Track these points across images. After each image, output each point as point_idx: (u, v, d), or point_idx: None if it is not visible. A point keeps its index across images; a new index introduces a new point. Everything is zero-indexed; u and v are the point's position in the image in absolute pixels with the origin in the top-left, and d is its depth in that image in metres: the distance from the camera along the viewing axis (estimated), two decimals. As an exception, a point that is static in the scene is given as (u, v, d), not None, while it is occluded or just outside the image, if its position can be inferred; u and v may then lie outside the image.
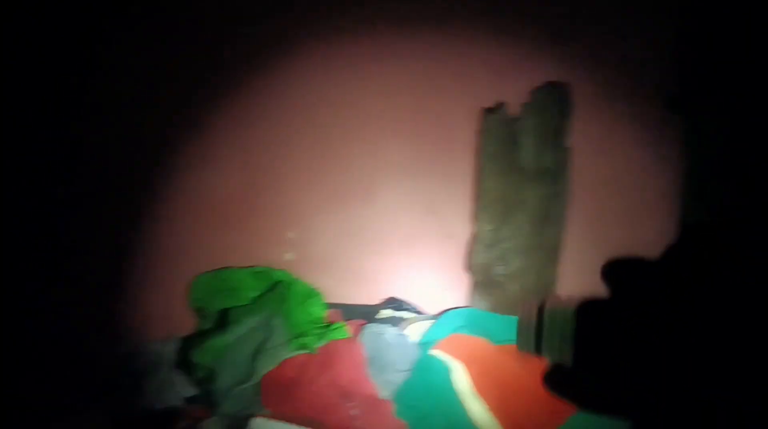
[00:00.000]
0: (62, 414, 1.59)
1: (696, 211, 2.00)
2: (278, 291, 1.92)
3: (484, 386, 1.67)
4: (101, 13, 1.86)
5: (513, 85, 2.04)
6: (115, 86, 1.95)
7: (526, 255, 2.05)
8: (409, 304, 2.09)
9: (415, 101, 2.10)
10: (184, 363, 1.83)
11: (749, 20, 1.89)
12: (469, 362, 1.73)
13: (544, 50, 2.05)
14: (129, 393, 1.72)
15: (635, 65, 2.02)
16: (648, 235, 1.87)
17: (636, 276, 1.65)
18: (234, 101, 2.03)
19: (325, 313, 1.95)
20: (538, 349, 1.64)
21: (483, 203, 2.10)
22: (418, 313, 2.05)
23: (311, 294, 1.95)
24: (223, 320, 1.89)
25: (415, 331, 1.89)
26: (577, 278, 2.07)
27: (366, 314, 2.00)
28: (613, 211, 2.11)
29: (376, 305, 2.09)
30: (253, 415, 1.59)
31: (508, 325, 1.86)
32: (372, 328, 1.82)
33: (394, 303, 2.10)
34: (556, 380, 1.59)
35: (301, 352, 1.73)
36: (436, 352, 1.77)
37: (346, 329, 1.82)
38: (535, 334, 1.65)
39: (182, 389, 1.77)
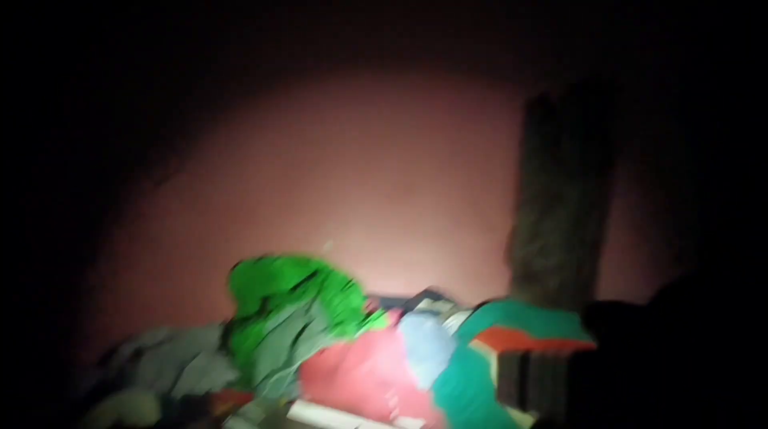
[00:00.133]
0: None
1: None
2: (318, 279, 1.93)
3: (521, 380, 1.66)
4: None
5: (557, 77, 2.02)
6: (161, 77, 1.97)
7: (566, 249, 2.03)
8: (446, 296, 2.09)
9: (458, 93, 2.08)
10: (227, 348, 1.86)
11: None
12: (508, 356, 1.72)
13: (589, 43, 2.03)
14: (172, 377, 1.74)
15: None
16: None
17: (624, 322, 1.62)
18: (275, 93, 2.04)
19: (364, 303, 1.95)
20: (522, 404, 1.55)
21: (524, 196, 2.08)
22: (456, 304, 2.05)
23: (350, 283, 1.95)
24: (264, 307, 1.90)
25: (453, 323, 1.88)
26: (618, 275, 2.05)
27: (403, 305, 2.01)
28: (652, 209, 2.08)
29: (413, 296, 2.09)
30: (292, 401, 1.61)
31: (546, 319, 1.85)
32: (411, 318, 1.82)
33: (431, 294, 2.09)
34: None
35: (341, 340, 1.74)
36: (475, 345, 1.76)
37: (386, 319, 1.82)
38: (519, 387, 1.56)
39: (223, 374, 1.79)
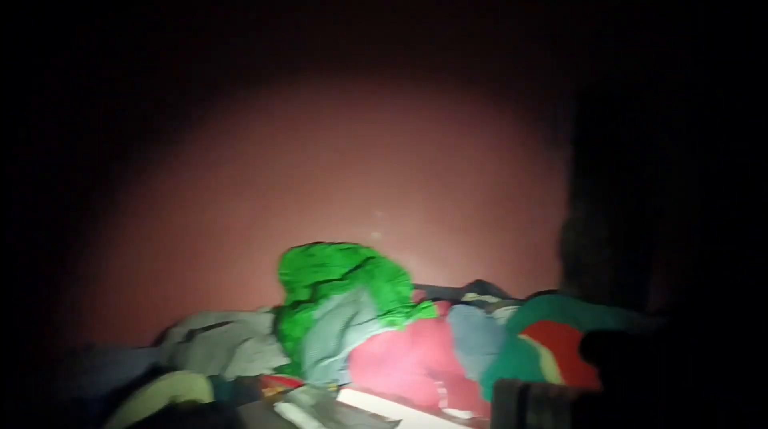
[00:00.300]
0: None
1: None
2: (366, 268, 1.94)
3: (571, 376, 1.64)
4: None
5: (613, 71, 1.99)
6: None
7: (618, 244, 2.00)
8: (494, 288, 2.08)
9: (515, 83, 2.07)
10: (276, 334, 1.88)
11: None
12: (558, 350, 1.70)
13: (644, 35, 1.99)
14: (223, 361, 1.77)
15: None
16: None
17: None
18: (324, 78, 2.05)
19: (412, 293, 1.95)
20: None
21: (576, 190, 2.06)
22: (504, 297, 2.03)
23: (398, 272, 1.96)
24: (313, 295, 1.92)
25: (501, 315, 1.87)
26: (670, 274, 2.01)
27: (451, 296, 2.00)
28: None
29: (461, 288, 2.09)
30: (341, 387, 1.62)
31: (597, 314, 1.83)
32: (460, 309, 1.81)
33: (479, 286, 2.09)
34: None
35: (390, 329, 1.74)
36: (525, 338, 1.75)
37: (434, 309, 1.82)
38: (516, 420, 1.47)
39: (272, 359, 1.81)
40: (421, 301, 1.90)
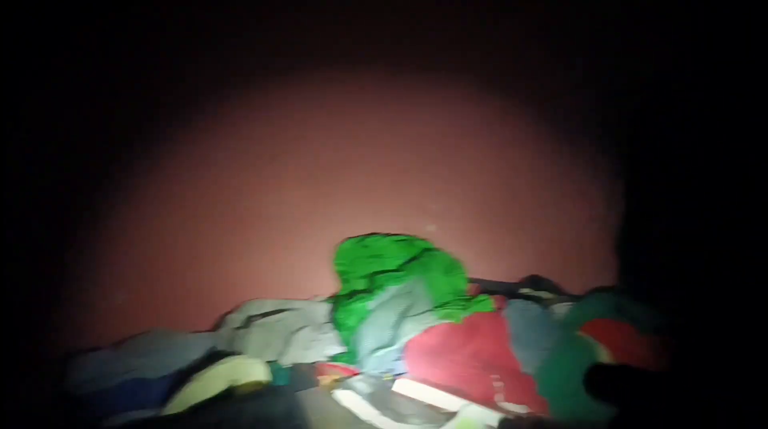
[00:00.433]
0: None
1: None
2: (422, 260, 1.94)
3: (628, 375, 1.61)
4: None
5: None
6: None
7: (675, 243, 1.96)
8: (550, 283, 2.06)
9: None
10: (332, 323, 1.90)
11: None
12: (615, 349, 1.68)
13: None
14: (279, 347, 1.79)
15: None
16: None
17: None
18: (383, 72, 2.05)
19: (467, 286, 1.95)
20: None
21: (633, 187, 2.03)
22: (560, 292, 2.01)
23: (454, 265, 1.95)
24: (368, 285, 1.93)
25: (558, 311, 1.86)
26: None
27: (506, 290, 1.99)
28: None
29: (516, 282, 2.08)
30: (396, 377, 1.62)
31: (655, 315, 1.80)
32: (516, 303, 1.80)
33: (535, 281, 2.07)
34: None
35: (446, 321, 1.74)
36: (582, 334, 1.73)
37: (491, 302, 1.81)
38: None
39: (328, 347, 1.82)
40: (476, 294, 1.90)
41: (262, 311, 1.94)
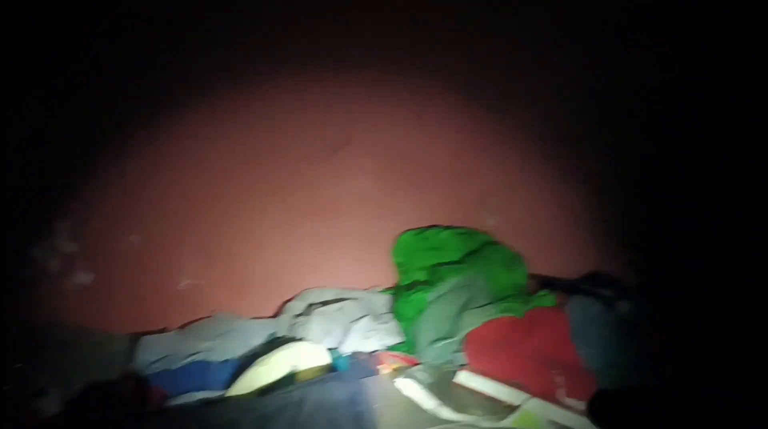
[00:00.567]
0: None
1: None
2: (483, 253, 1.94)
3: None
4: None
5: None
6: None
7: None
8: (611, 280, 2.03)
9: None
10: (391, 313, 1.91)
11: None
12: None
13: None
14: (339, 335, 1.82)
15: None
16: None
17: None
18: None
19: (527, 280, 1.93)
20: None
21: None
22: (623, 290, 1.98)
23: (515, 259, 1.94)
24: (427, 277, 1.94)
25: (620, 309, 1.83)
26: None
27: (567, 286, 1.96)
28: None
29: (577, 278, 2.05)
30: (456, 369, 1.63)
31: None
32: (578, 300, 1.78)
33: (595, 277, 2.04)
34: None
35: (506, 315, 1.73)
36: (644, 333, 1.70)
37: (552, 298, 1.80)
38: None
39: (387, 337, 1.84)
40: (537, 289, 1.88)
41: (322, 300, 1.96)
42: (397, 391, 1.52)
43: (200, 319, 1.99)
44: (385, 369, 1.67)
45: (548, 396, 1.55)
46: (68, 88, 1.82)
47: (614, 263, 2.08)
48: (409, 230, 2.08)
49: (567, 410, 1.50)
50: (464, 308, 1.77)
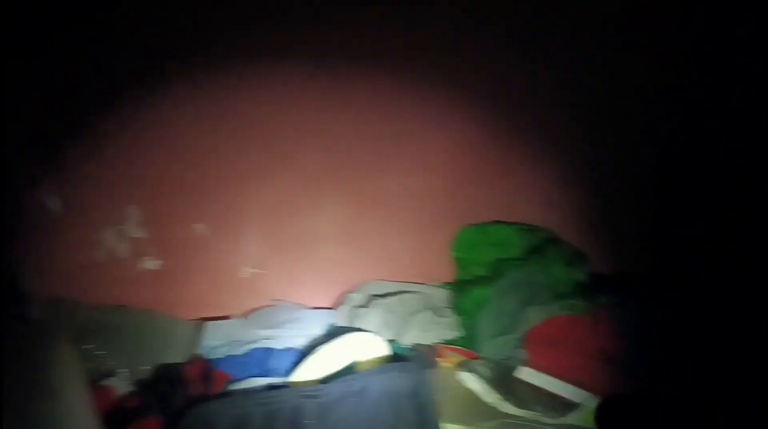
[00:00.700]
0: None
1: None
2: (545, 250, 1.92)
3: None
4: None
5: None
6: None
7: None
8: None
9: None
10: (450, 307, 1.92)
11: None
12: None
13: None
14: (397, 328, 1.83)
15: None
16: None
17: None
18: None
19: (589, 278, 1.91)
20: None
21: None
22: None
23: (577, 256, 1.92)
24: (488, 272, 1.93)
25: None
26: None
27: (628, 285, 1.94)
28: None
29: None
30: (517, 364, 1.62)
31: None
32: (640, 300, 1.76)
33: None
34: None
35: (568, 312, 1.72)
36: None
37: (614, 297, 1.77)
38: None
39: (445, 331, 1.84)
40: (596, 288, 1.86)
41: (382, 292, 1.98)
42: (459, 384, 1.53)
43: (262, 307, 2.03)
44: (445, 362, 1.67)
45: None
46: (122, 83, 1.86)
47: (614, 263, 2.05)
48: (469, 225, 2.08)
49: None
50: (525, 304, 1.76)
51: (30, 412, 1.13)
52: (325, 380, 1.59)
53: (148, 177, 1.93)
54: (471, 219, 2.08)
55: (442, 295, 1.99)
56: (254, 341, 1.84)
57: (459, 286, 1.96)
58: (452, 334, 1.85)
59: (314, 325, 1.91)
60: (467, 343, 1.80)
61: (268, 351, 1.81)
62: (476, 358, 1.69)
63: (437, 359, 1.68)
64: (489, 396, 1.49)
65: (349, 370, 1.63)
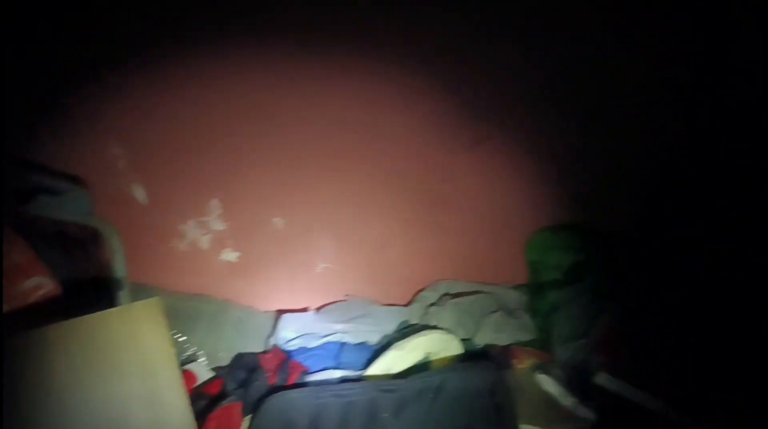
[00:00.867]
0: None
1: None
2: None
3: None
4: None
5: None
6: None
7: None
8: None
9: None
10: (523, 309, 1.91)
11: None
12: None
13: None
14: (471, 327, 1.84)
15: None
16: None
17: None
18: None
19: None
20: None
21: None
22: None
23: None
24: (561, 276, 1.92)
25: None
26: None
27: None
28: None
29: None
30: (593, 368, 1.61)
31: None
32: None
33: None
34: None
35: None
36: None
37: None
38: None
39: (518, 333, 1.84)
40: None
41: (455, 291, 1.99)
42: (535, 386, 1.53)
43: (335, 302, 2.06)
44: (520, 363, 1.67)
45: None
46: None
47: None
48: (544, 228, 2.07)
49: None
50: (600, 309, 1.74)
51: (126, 389, 1.20)
52: (401, 376, 1.61)
53: (230, 172, 1.99)
54: (544, 221, 2.07)
55: (515, 297, 1.99)
56: (328, 335, 1.87)
57: (533, 289, 1.95)
58: (526, 336, 1.84)
59: (387, 322, 1.94)
60: (541, 346, 1.79)
61: (342, 345, 1.84)
62: (551, 360, 1.68)
63: (512, 360, 1.69)
64: (565, 399, 1.48)
65: (423, 367, 1.65)
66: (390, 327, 1.92)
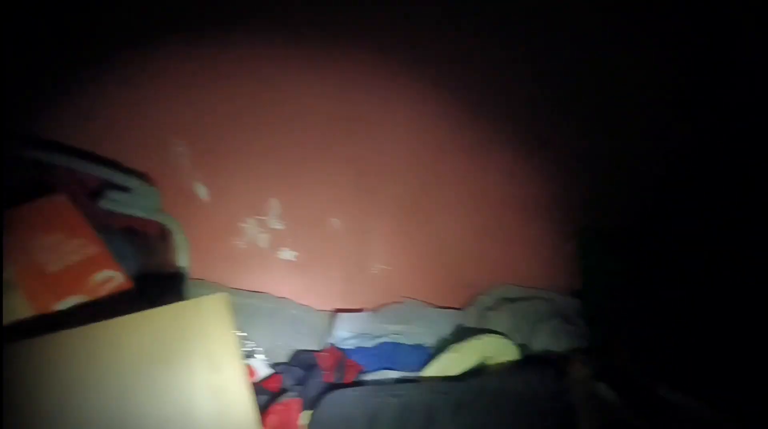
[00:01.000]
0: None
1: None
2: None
3: None
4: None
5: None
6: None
7: None
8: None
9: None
10: (577, 316, 1.90)
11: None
12: None
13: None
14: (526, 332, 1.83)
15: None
16: None
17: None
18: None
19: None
20: None
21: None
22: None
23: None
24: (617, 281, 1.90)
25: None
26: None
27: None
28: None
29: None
30: (651, 378, 1.58)
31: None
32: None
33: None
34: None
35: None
36: None
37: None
38: None
39: (575, 339, 1.83)
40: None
41: (511, 296, 1.98)
42: (595, 393, 1.51)
43: (391, 303, 2.07)
44: (576, 370, 1.65)
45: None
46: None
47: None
48: (597, 233, 2.04)
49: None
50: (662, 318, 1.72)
51: (193, 380, 1.23)
52: (457, 378, 1.62)
53: (289, 173, 2.02)
54: (595, 226, 2.06)
55: (570, 303, 1.97)
56: (383, 335, 1.89)
57: (586, 295, 1.93)
58: (581, 342, 1.82)
59: (442, 324, 1.95)
60: (597, 353, 1.77)
61: (397, 346, 1.86)
62: (607, 368, 1.66)
63: (568, 367, 1.67)
64: (623, 408, 1.46)
65: (479, 371, 1.65)
66: (445, 330, 1.93)
